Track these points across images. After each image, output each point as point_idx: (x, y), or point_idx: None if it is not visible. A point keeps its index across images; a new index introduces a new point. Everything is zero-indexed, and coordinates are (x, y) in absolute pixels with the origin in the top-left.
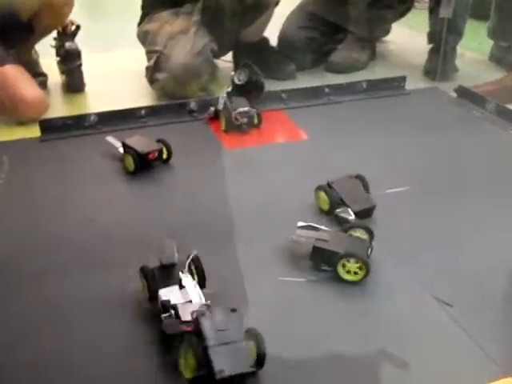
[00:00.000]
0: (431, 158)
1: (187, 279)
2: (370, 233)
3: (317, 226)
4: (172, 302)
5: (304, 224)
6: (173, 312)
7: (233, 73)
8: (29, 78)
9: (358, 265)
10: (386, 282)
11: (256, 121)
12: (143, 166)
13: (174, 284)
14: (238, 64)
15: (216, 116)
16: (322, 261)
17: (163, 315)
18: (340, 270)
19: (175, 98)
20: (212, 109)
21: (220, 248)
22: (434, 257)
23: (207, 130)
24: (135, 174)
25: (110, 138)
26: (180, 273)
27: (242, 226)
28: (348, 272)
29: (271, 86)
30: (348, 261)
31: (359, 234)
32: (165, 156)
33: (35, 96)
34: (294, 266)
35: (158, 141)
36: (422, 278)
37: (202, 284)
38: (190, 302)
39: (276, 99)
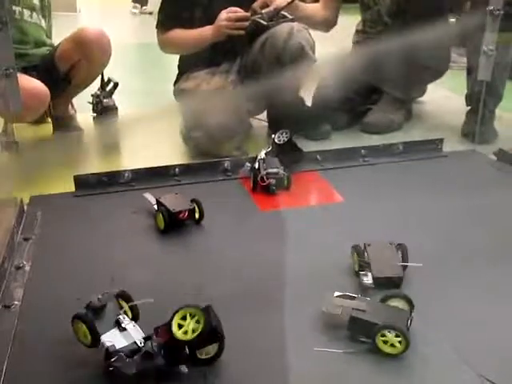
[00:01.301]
0: (471, 223)
1: (125, 320)
2: (410, 303)
3: (354, 295)
4: (117, 347)
5: (340, 294)
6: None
7: (273, 135)
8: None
9: (398, 338)
10: (427, 356)
11: (286, 183)
12: (174, 224)
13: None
14: (272, 123)
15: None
16: (360, 332)
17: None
18: (379, 342)
19: (209, 156)
20: (247, 167)
21: (252, 315)
22: (480, 330)
23: (241, 189)
24: (166, 233)
25: (147, 195)
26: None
27: (276, 292)
28: (387, 344)
29: (305, 146)
30: (387, 332)
31: (398, 303)
32: (197, 216)
33: (36, 85)
34: (330, 337)
35: (192, 200)
36: (467, 353)
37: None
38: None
39: (311, 160)
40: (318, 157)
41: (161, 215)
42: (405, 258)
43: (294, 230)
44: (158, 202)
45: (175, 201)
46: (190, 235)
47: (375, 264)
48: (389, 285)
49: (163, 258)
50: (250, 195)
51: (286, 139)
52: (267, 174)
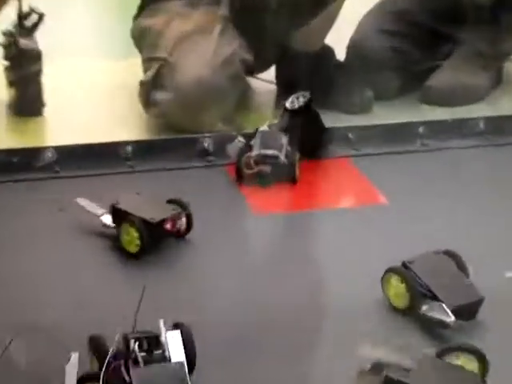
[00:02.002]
0: None
1: None
2: (482, 360)
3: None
4: None
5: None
6: None
7: (287, 102)
8: None
9: None
10: None
11: (289, 174)
12: (154, 242)
13: None
14: (283, 85)
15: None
16: None
17: None
18: None
19: (182, 131)
20: (239, 144)
21: (247, 363)
22: None
23: (227, 181)
24: (138, 258)
25: (83, 201)
26: None
27: (281, 333)
28: None
29: (333, 120)
30: None
31: (462, 360)
32: (181, 226)
33: None
34: None
35: (171, 202)
36: None
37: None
38: None
39: (340, 140)
40: (351, 136)
41: (133, 230)
42: (463, 271)
43: (304, 246)
44: (119, 211)
45: (144, 205)
46: (164, 255)
47: (439, 288)
48: (467, 316)
49: (114, 288)
50: (240, 191)
51: (302, 104)
52: (259, 156)
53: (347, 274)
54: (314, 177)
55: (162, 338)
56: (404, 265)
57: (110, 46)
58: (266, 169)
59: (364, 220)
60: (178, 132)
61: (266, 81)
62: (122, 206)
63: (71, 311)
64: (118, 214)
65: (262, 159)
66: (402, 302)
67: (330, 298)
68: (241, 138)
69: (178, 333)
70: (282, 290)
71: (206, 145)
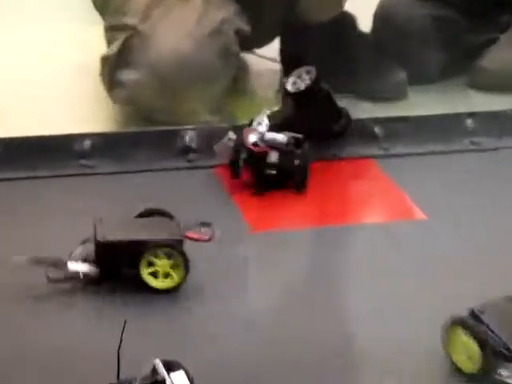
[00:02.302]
0: None
1: None
2: None
3: None
4: None
5: None
6: None
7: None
8: None
9: None
10: None
11: (298, 177)
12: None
13: None
14: (290, 64)
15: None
16: None
17: None
18: None
19: (156, 122)
20: (230, 139)
21: None
22: None
23: (216, 188)
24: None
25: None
26: None
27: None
28: None
29: (356, 109)
30: None
31: None
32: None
33: None
34: None
35: (149, 213)
36: None
37: None
38: None
39: (364, 137)
40: (378, 130)
41: (168, 259)
42: None
43: (322, 275)
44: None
45: (142, 227)
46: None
47: None
48: None
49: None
50: (234, 200)
51: (309, 84)
52: (263, 139)
53: (381, 313)
54: (328, 183)
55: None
56: (473, 314)
57: (66, 11)
58: (273, 155)
59: (395, 240)
60: (152, 123)
61: (267, 58)
62: (112, 237)
63: None
64: (112, 250)
65: (268, 143)
66: (471, 363)
67: (360, 344)
68: (232, 134)
69: (182, 374)
70: (303, 331)
71: (187, 140)
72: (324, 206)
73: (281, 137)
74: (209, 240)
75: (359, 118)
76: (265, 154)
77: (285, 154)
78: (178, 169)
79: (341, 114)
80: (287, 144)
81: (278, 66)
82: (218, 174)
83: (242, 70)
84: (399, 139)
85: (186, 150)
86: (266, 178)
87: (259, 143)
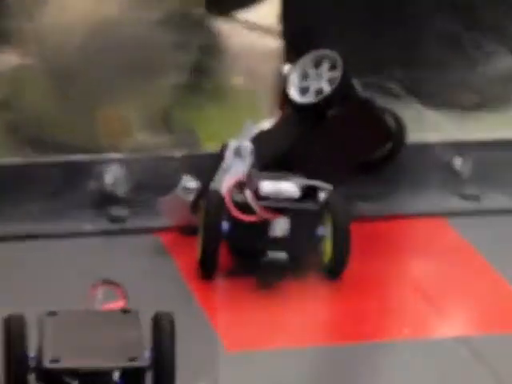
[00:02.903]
0: None
1: None
2: None
3: None
4: None
5: None
6: None
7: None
8: None
9: None
10: None
11: (329, 254)
12: None
13: None
14: (296, 39)
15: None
16: None
17: None
18: None
19: (52, 147)
20: (187, 190)
21: None
22: None
23: (167, 279)
24: None
25: None
26: None
27: None
28: None
29: (420, 126)
30: None
31: None
32: None
33: None
34: None
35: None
36: None
37: None
38: None
39: (434, 175)
40: (459, 164)
41: None
42: None
43: None
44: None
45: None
46: None
47: None
48: None
49: None
50: (199, 301)
51: (331, 88)
52: (260, 198)
53: None
54: (366, 262)
55: None
56: None
57: None
58: (279, 224)
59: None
60: (47, 149)
61: (256, 29)
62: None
63: None
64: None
65: (270, 201)
66: None
67: None
68: (191, 181)
69: None
70: None
71: (107, 180)
72: (360, 306)
73: (290, 187)
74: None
75: (425, 142)
76: (265, 224)
77: (300, 219)
78: (94, 234)
79: (389, 133)
80: (302, 199)
81: (276, 45)
82: (166, 245)
83: (211, 53)
84: (501, 180)
85: (107, 200)
86: (267, 265)
87: (251, 203)
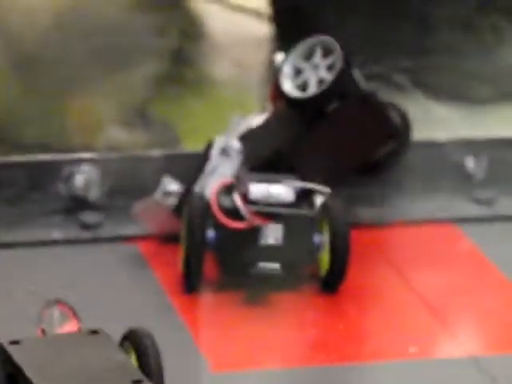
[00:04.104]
0: None
1: None
2: None
3: None
4: None
5: None
6: None
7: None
8: None
9: None
10: None
11: (325, 261)
12: None
13: None
14: (286, 22)
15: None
16: None
17: None
18: None
19: (15, 146)
20: (166, 193)
21: None
22: None
23: (145, 292)
24: None
25: None
26: None
27: None
28: None
29: (426, 119)
30: None
31: None
32: None
33: None
34: None
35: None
36: None
37: None
38: None
39: (443, 177)
40: (471, 166)
41: None
42: None
43: None
44: None
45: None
46: None
47: None
48: None
49: None
50: (180, 315)
51: (328, 82)
52: (249, 202)
53: None
54: (368, 274)
55: None
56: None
57: None
58: (272, 231)
59: None
60: (12, 148)
61: (242, 10)
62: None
63: None
64: None
65: (262, 205)
66: None
67: None
68: (172, 183)
69: None
70: None
71: (78, 182)
72: (359, 322)
73: (283, 191)
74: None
75: (433, 140)
76: (256, 232)
77: (295, 225)
78: (60, 243)
79: (393, 130)
80: (297, 204)
81: (265, 30)
82: (144, 255)
83: (192, 39)
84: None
85: (78, 205)
86: (257, 277)
87: (240, 207)
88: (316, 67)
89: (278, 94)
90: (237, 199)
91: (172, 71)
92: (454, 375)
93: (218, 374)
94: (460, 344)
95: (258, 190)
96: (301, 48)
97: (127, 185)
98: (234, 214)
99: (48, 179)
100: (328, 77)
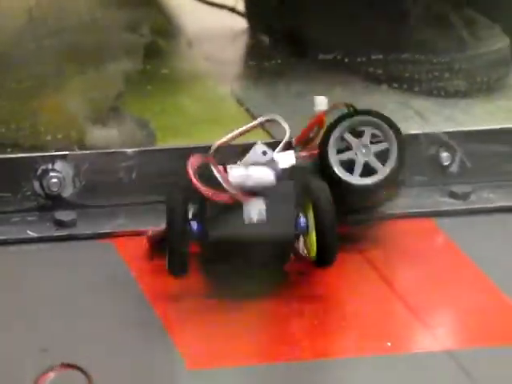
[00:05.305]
0: None
1: None
2: None
3: None
4: None
5: None
6: None
7: None
8: None
9: None
10: None
11: (314, 246)
12: None
13: None
14: (259, 17)
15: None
16: None
17: None
18: None
19: None
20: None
21: None
22: None
23: (122, 288)
24: None
25: None
26: None
27: None
28: None
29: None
30: None
31: None
32: None
33: None
34: None
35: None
36: None
37: None
38: None
39: (420, 170)
40: (445, 157)
41: None
42: None
43: None
44: None
45: None
46: None
47: None
48: None
49: None
50: (155, 309)
51: (386, 160)
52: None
53: None
54: (344, 270)
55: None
56: None
57: None
58: (255, 207)
59: None
60: None
61: (217, 6)
62: None
63: None
64: None
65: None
66: None
67: None
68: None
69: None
70: None
71: (50, 181)
72: (336, 318)
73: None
74: None
75: (408, 134)
76: (236, 206)
77: (277, 202)
78: (33, 241)
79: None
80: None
81: (239, 25)
82: (120, 252)
83: (166, 35)
84: (489, 177)
85: (49, 202)
86: (239, 256)
87: (225, 184)
88: (365, 149)
89: (308, 142)
90: (217, 173)
91: (145, 67)
92: (430, 369)
93: (194, 370)
94: (436, 338)
95: (238, 172)
96: (350, 122)
97: (102, 182)
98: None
99: (20, 177)
100: (377, 165)
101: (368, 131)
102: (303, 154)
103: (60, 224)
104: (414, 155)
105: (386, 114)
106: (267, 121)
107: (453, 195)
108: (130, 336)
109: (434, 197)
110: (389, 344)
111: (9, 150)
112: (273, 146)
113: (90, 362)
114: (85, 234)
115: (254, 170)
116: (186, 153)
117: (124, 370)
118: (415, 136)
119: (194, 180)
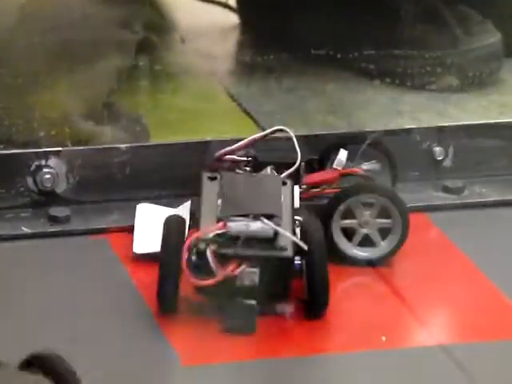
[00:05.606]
0: None
1: None
2: None
3: None
4: None
5: None
6: None
7: None
8: None
9: None
10: None
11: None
12: None
13: None
14: (251, 18)
15: None
16: None
17: None
18: None
19: None
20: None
21: None
22: None
23: (119, 276)
24: None
25: None
26: None
27: None
28: None
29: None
30: None
31: None
32: None
33: None
34: None
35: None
36: None
37: None
38: None
39: (415, 164)
40: (440, 152)
41: None
42: None
43: None
44: None
45: None
46: None
47: None
48: None
49: None
50: (148, 304)
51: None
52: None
53: None
54: (334, 265)
55: None
56: None
57: None
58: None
59: None
60: None
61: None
62: None
63: None
64: None
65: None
66: None
67: None
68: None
69: None
70: None
71: (44, 177)
72: (330, 314)
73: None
74: None
75: (401, 128)
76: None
77: (272, 266)
78: (27, 238)
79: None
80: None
81: (231, 21)
82: (114, 248)
83: (158, 30)
84: (482, 172)
85: (43, 198)
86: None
87: (213, 265)
88: (369, 222)
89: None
90: (209, 256)
91: (138, 63)
92: (424, 363)
93: (188, 366)
94: (430, 332)
95: (237, 225)
96: (356, 199)
97: (95, 178)
98: (204, 270)
99: (14, 174)
100: (377, 240)
101: (377, 205)
102: (311, 191)
103: (54, 220)
104: (407, 150)
105: (381, 115)
106: (275, 131)
107: (446, 190)
108: (123, 332)
109: (427, 191)
110: (383, 339)
111: (2, 146)
112: (280, 168)
113: (83, 357)
114: (79, 229)
115: (254, 225)
116: (180, 148)
117: (118, 366)
118: (408, 131)
119: (187, 271)
